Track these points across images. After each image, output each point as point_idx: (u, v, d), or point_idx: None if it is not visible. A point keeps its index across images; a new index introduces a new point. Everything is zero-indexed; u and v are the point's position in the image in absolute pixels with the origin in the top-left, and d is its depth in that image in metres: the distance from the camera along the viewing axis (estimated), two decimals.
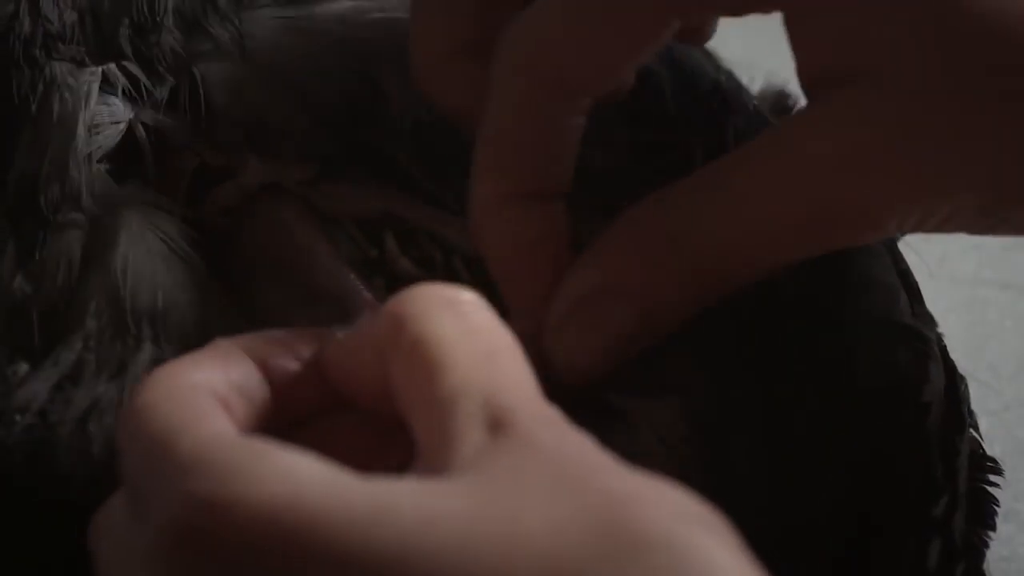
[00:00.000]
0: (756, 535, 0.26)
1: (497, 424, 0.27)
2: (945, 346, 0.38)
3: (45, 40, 0.40)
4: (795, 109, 0.46)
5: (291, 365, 0.31)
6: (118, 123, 0.40)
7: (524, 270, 0.36)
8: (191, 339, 0.37)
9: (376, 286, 0.39)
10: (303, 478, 0.25)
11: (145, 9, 0.41)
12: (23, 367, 0.37)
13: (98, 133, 0.40)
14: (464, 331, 0.28)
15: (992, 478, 0.39)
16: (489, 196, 0.36)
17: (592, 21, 0.34)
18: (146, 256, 0.38)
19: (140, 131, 0.40)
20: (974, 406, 0.39)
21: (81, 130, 0.39)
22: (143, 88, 0.41)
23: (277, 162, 0.41)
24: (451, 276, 0.40)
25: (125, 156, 0.40)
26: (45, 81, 0.40)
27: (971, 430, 0.38)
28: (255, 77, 0.41)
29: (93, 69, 0.40)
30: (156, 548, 0.25)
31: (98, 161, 0.40)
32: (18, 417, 0.36)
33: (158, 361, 0.36)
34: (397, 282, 0.40)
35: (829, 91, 0.33)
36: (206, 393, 0.29)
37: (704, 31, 0.40)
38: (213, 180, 0.41)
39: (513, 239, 0.36)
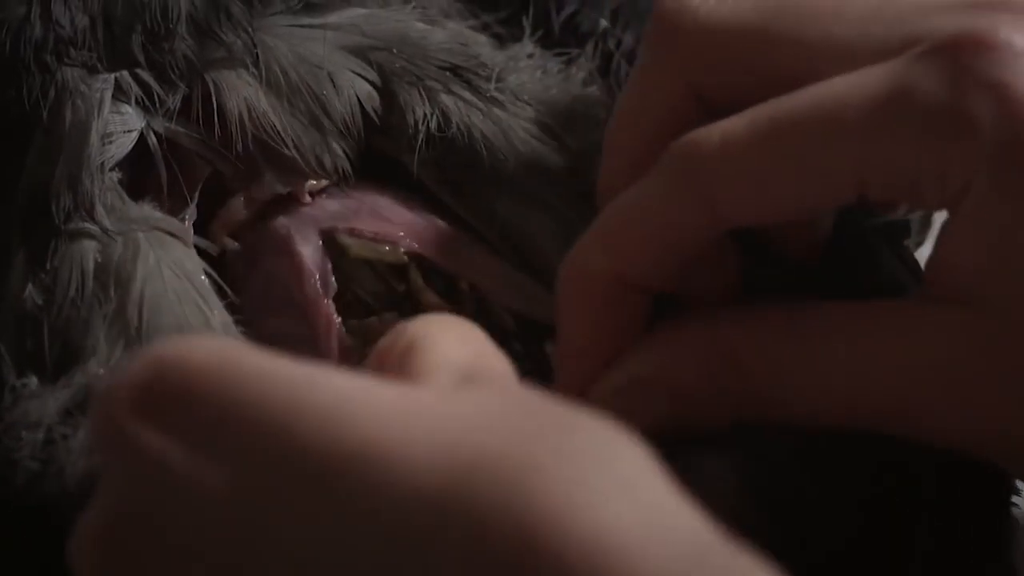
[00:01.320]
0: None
1: (468, 379, 0.28)
2: None
3: (56, 45, 0.40)
4: None
5: None
6: (131, 132, 0.40)
7: (592, 344, 0.36)
8: None
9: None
10: (244, 350, 0.27)
11: (158, 15, 0.40)
12: (32, 380, 0.37)
13: (111, 142, 0.39)
14: (458, 333, 0.30)
15: None
16: (595, 263, 0.36)
17: (776, 167, 0.34)
18: (162, 295, 0.38)
19: (152, 139, 0.40)
20: None
21: (94, 139, 0.39)
22: (156, 96, 0.40)
23: (290, 173, 0.41)
24: (479, 306, 0.41)
25: (137, 164, 0.40)
26: (57, 87, 0.40)
27: None
28: (268, 86, 0.41)
29: (106, 76, 0.40)
30: (117, 407, 0.27)
31: (110, 170, 0.39)
32: (24, 434, 0.36)
33: None
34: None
35: (946, 301, 0.33)
36: None
37: None
38: (226, 190, 0.41)
39: (597, 317, 0.36)
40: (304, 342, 0.39)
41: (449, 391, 0.28)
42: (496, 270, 0.42)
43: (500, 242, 0.42)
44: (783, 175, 0.34)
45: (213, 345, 0.27)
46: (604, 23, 0.51)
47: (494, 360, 0.30)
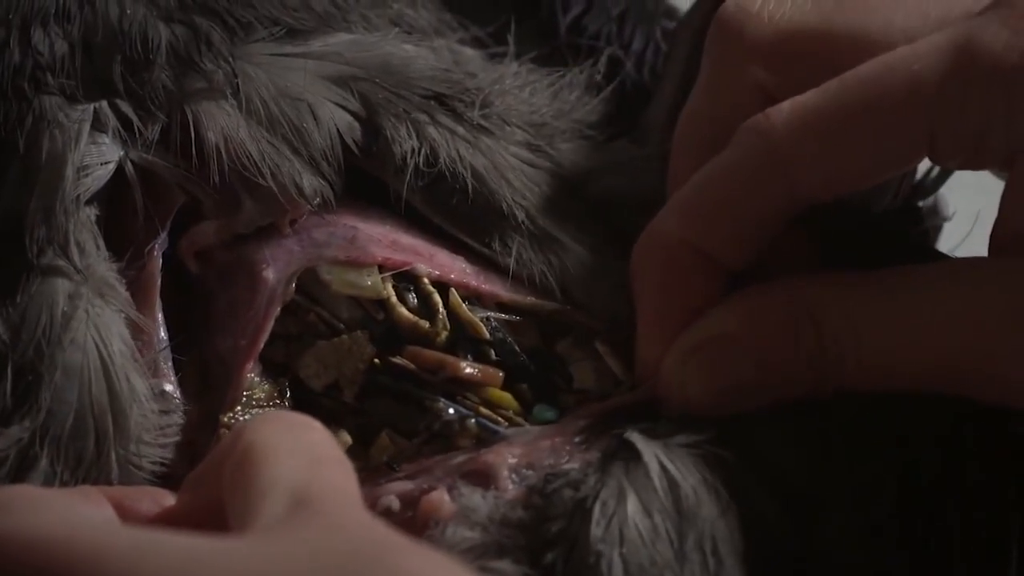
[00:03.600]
0: None
1: (300, 503, 0.29)
2: None
3: (35, 71, 0.40)
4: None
5: (148, 508, 0.33)
6: (107, 163, 0.39)
7: (668, 310, 0.37)
8: (89, 464, 0.37)
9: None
10: (78, 520, 0.28)
11: (138, 45, 0.40)
12: None
13: (87, 175, 0.39)
14: (294, 442, 0.31)
15: None
16: (672, 232, 0.37)
17: (847, 143, 0.35)
18: (76, 373, 0.37)
19: (129, 169, 0.40)
20: None
21: (70, 172, 0.39)
22: (135, 127, 0.40)
23: (270, 201, 0.41)
24: (452, 320, 0.41)
25: (112, 193, 0.40)
26: (34, 115, 0.39)
27: None
28: (248, 116, 0.40)
29: (84, 107, 0.39)
30: None
31: (86, 204, 0.39)
32: None
33: (48, 481, 0.37)
34: (398, 331, 0.40)
35: (1013, 257, 0.35)
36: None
37: None
38: (202, 215, 0.41)
39: (670, 280, 0.37)
40: (224, 384, 0.40)
41: (270, 537, 0.28)
42: (498, 279, 0.42)
43: (515, 268, 0.42)
44: (856, 137, 0.35)
45: (41, 525, 0.28)
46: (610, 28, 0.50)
47: (331, 469, 0.30)
